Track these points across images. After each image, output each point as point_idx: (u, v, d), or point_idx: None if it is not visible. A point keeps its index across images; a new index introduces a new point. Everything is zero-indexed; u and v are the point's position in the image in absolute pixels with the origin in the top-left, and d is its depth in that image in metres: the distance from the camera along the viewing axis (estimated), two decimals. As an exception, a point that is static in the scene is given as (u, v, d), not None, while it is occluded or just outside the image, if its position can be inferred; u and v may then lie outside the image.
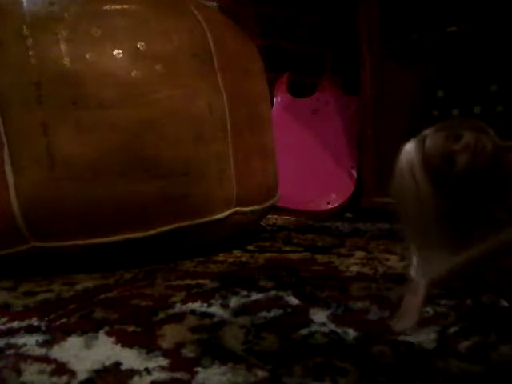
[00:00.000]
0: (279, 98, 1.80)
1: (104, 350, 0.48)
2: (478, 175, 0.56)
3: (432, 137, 0.58)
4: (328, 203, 1.59)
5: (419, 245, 0.60)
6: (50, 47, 0.79)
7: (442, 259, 0.57)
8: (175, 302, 0.62)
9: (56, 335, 0.52)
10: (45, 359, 0.46)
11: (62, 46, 0.79)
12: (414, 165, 0.59)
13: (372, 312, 0.57)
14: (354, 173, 1.61)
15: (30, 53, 0.78)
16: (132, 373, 0.43)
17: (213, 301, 0.62)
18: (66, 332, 0.53)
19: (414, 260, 0.59)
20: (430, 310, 0.57)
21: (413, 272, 0.57)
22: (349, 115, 1.69)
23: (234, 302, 0.62)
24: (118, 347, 0.48)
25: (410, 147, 0.60)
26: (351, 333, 0.50)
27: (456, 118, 0.63)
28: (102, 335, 0.52)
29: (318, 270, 0.80)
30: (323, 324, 0.53)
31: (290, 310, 0.59)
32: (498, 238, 0.54)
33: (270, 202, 1.07)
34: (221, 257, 0.91)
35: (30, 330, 0.54)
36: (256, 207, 1.00)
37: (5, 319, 0.58)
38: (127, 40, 0.83)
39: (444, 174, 0.56)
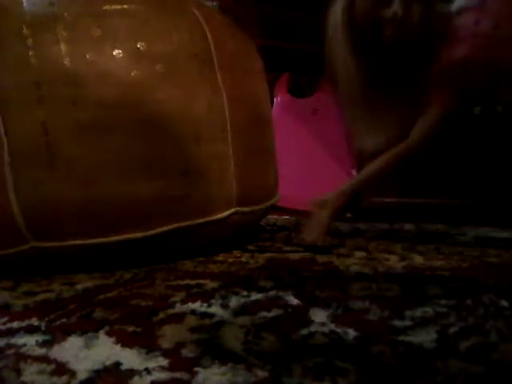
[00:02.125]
0: (279, 98, 1.80)
1: (104, 350, 0.48)
2: (403, 46, 0.55)
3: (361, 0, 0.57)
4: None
5: (350, 113, 0.61)
6: (50, 47, 0.79)
7: (372, 129, 0.58)
8: (175, 302, 0.62)
9: (56, 335, 0.52)
10: (45, 359, 0.46)
11: (62, 46, 0.79)
12: (339, 29, 0.58)
13: (372, 312, 0.57)
14: (354, 173, 1.61)
15: (30, 53, 0.78)
16: (132, 373, 0.43)
17: (213, 301, 0.62)
18: (66, 332, 0.53)
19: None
20: (429, 309, 0.57)
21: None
22: (349, 115, 1.69)
23: (234, 302, 0.62)
24: (118, 347, 0.48)
25: (338, 7, 0.59)
26: (351, 333, 0.50)
27: None
28: (102, 335, 0.52)
29: (317, 270, 0.80)
30: (323, 324, 0.53)
31: (290, 309, 0.59)
32: (388, 154, 0.55)
33: (270, 202, 1.07)
34: (221, 257, 0.91)
35: (30, 330, 0.54)
36: (256, 207, 1.00)
37: (5, 319, 0.58)
38: (127, 40, 0.83)
39: (371, 40, 0.55)
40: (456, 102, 0.54)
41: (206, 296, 0.65)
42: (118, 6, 0.84)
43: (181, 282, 0.73)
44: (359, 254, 0.92)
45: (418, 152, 0.57)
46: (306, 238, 0.58)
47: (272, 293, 0.66)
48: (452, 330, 0.51)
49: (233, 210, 0.93)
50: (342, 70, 0.58)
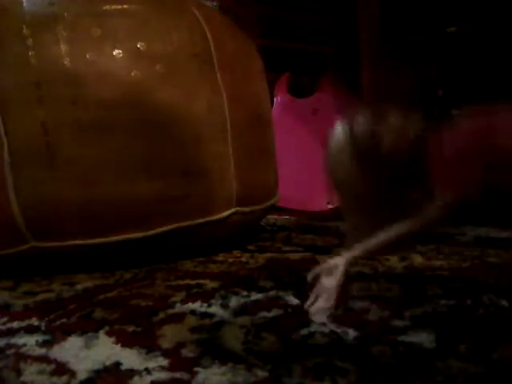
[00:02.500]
0: (279, 98, 1.80)
1: (104, 350, 0.48)
2: (402, 156, 0.60)
3: (360, 118, 0.62)
4: (328, 203, 1.59)
5: (349, 219, 0.65)
6: (50, 47, 0.79)
7: (367, 232, 0.60)
8: (175, 302, 0.62)
9: (56, 335, 0.52)
10: (45, 359, 0.46)
11: (62, 46, 0.79)
12: (343, 147, 0.63)
13: (372, 312, 0.57)
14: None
15: (30, 53, 0.78)
16: (132, 373, 0.43)
17: (213, 301, 0.62)
18: (66, 332, 0.53)
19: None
20: (429, 309, 0.57)
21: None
22: (349, 115, 1.69)
23: (234, 301, 0.62)
24: (118, 347, 0.48)
25: (339, 130, 0.64)
26: (351, 333, 0.50)
27: (381, 103, 0.70)
28: (102, 335, 0.52)
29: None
30: (323, 324, 0.53)
31: (290, 309, 0.59)
32: (408, 221, 0.57)
33: (270, 202, 1.07)
34: (221, 257, 0.91)
35: (30, 330, 0.54)
36: (256, 207, 1.00)
37: (5, 319, 0.58)
38: (127, 40, 0.83)
39: (371, 154, 0.60)
40: (457, 196, 0.58)
41: (206, 296, 0.65)
42: (118, 6, 0.84)
43: (181, 282, 0.73)
44: (359, 253, 0.91)
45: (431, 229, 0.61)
46: (312, 311, 0.56)
47: (272, 293, 0.66)
48: (452, 330, 0.51)
49: (233, 210, 0.93)
50: (346, 183, 0.63)
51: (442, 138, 0.60)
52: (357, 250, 0.59)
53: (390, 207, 0.62)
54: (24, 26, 0.78)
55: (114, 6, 0.84)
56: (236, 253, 0.95)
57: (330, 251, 0.94)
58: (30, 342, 0.50)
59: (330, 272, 0.58)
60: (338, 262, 0.59)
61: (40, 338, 0.52)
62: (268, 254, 0.93)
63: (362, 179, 0.61)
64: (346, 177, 0.63)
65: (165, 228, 0.84)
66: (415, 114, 0.62)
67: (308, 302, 0.57)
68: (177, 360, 0.45)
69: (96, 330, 0.53)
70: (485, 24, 1.29)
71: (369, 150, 0.60)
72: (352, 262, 0.60)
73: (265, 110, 1.08)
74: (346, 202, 0.66)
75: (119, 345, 0.49)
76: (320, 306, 0.56)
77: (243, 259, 0.89)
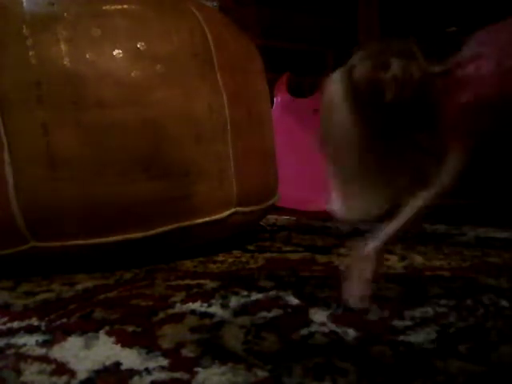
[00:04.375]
0: (279, 98, 1.80)
1: (104, 350, 0.48)
2: (406, 105, 0.55)
3: (360, 66, 0.57)
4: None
5: (344, 179, 0.60)
6: (50, 47, 0.79)
7: (366, 196, 0.57)
8: (175, 302, 0.62)
9: (56, 335, 0.52)
10: (45, 359, 0.46)
11: (62, 46, 0.79)
12: (340, 94, 0.58)
13: (372, 312, 0.57)
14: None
15: (30, 53, 0.78)
16: (132, 373, 0.43)
17: (213, 301, 0.62)
18: (66, 332, 0.53)
19: (337, 201, 0.59)
20: (429, 309, 0.57)
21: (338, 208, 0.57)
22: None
23: (233, 301, 0.62)
24: (118, 347, 0.49)
25: (337, 76, 0.59)
26: (351, 333, 0.50)
27: (384, 43, 0.61)
28: (102, 335, 0.52)
29: (318, 270, 0.80)
30: (323, 324, 0.53)
31: (289, 310, 0.59)
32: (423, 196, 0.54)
33: (270, 202, 1.07)
34: (221, 257, 0.91)
35: (30, 330, 0.54)
36: (256, 207, 1.00)
37: (5, 319, 0.58)
38: (127, 40, 0.83)
39: (372, 103, 0.56)
40: (474, 143, 0.54)
41: (206, 296, 0.65)
42: (118, 6, 0.84)
43: (181, 282, 0.73)
44: (359, 254, 0.91)
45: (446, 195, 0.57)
46: (351, 303, 0.56)
47: (272, 293, 0.66)
48: (452, 330, 0.51)
49: (233, 209, 0.93)
50: (341, 132, 0.58)
51: (451, 83, 0.55)
52: (383, 235, 0.57)
53: (392, 161, 0.58)
54: (24, 26, 0.78)
55: (113, 6, 0.84)
56: (236, 253, 0.95)
57: (330, 251, 0.94)
58: (29, 342, 0.50)
59: (363, 260, 0.57)
60: (369, 248, 0.58)
61: (40, 337, 0.52)
62: (268, 254, 0.93)
63: (363, 130, 0.57)
64: (344, 129, 0.58)
65: (165, 228, 0.84)
66: (419, 58, 0.56)
67: (345, 292, 0.57)
68: (177, 360, 0.45)
69: (96, 330, 0.53)
70: (485, 24, 1.28)
71: (370, 99, 0.56)
72: (381, 248, 0.58)
73: (265, 110, 1.08)
74: (341, 158, 0.61)
75: (119, 345, 0.49)
76: (357, 293, 0.56)
77: (243, 259, 0.89)
